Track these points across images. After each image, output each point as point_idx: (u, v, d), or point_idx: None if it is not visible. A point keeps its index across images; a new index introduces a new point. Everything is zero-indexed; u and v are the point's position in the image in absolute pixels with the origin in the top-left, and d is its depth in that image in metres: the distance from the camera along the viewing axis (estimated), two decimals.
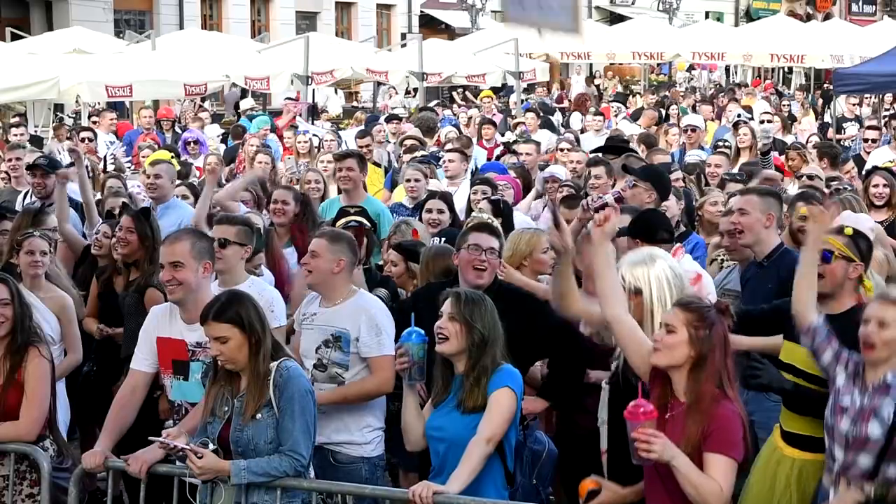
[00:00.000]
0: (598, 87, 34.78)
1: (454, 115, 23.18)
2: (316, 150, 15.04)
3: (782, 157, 13.24)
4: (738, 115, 17.69)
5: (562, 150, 13.44)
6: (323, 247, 6.33)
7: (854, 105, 20.51)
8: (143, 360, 6.03)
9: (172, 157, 12.34)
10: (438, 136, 16.22)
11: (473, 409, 5.25)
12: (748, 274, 7.24)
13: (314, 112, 23.20)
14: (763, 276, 7.01)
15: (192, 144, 14.90)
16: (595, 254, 5.13)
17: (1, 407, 5.89)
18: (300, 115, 20.38)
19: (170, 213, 9.46)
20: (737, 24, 44.69)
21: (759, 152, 12.06)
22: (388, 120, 18.06)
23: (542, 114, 19.81)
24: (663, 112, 23.38)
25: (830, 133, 19.71)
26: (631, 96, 30.04)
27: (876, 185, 9.86)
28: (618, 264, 5.49)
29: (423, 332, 5.46)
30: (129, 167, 13.38)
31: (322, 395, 5.94)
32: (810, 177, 10.55)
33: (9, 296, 5.99)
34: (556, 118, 23.53)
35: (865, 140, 14.39)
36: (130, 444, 5.80)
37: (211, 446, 5.26)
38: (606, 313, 5.06)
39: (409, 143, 13.55)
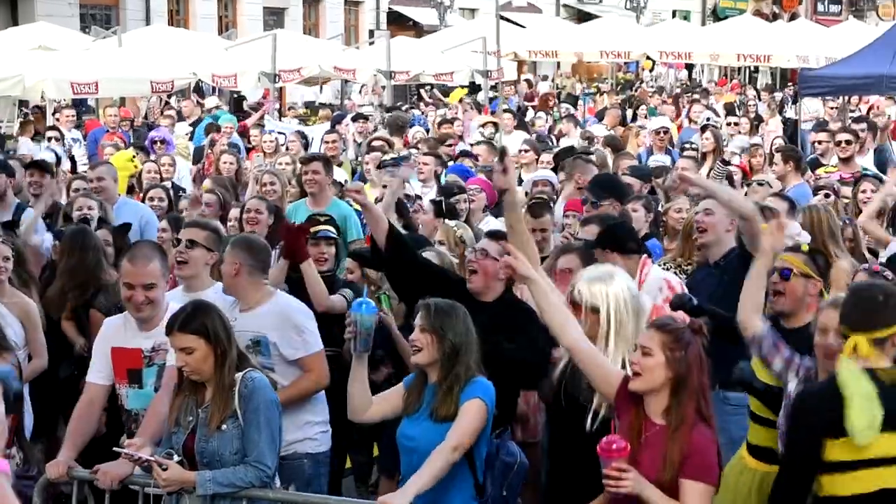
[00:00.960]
0: (556, 85, 34.75)
1: (422, 114, 23.17)
2: (283, 148, 15.02)
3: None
4: (707, 119, 17.75)
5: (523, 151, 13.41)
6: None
7: (832, 109, 20.44)
8: (97, 372, 6.03)
9: (134, 156, 12.28)
10: (406, 137, 16.21)
11: (445, 418, 5.26)
12: (698, 275, 7.38)
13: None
14: (710, 278, 7.16)
15: (158, 144, 14.83)
16: (530, 291, 5.12)
17: None
18: (268, 114, 20.33)
19: (123, 212, 9.43)
20: (704, 23, 44.88)
21: (720, 159, 12.09)
22: (355, 119, 18.02)
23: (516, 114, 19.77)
24: (630, 112, 23.50)
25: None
26: (598, 95, 30.06)
27: (864, 191, 9.91)
28: (574, 280, 5.52)
29: (373, 304, 5.48)
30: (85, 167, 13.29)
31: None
32: (760, 183, 10.62)
33: None
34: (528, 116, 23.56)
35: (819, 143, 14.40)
36: (94, 451, 5.81)
37: (176, 457, 5.25)
38: (563, 342, 5.05)
39: (377, 143, 13.51)
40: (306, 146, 15.18)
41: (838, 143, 12.21)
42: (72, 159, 13.32)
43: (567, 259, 6.76)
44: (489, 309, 6.09)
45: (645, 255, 6.88)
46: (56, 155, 12.14)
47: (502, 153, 5.75)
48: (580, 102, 26.49)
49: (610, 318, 5.26)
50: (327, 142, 14.31)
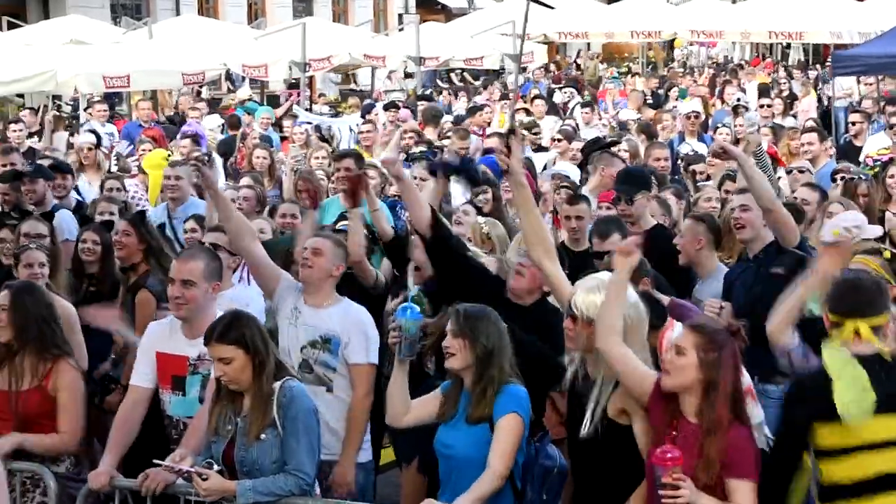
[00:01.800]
0: (578, 65, 34.53)
1: (448, 104, 23.02)
2: (320, 138, 15.02)
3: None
4: (738, 100, 17.63)
5: (556, 140, 13.37)
6: (327, 248, 6.46)
7: (870, 85, 20.14)
8: (143, 375, 6.07)
9: (169, 155, 12.32)
10: (441, 127, 16.18)
11: (479, 420, 5.30)
12: (737, 269, 7.39)
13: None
14: (748, 272, 7.18)
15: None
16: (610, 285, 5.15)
17: (23, 410, 6.03)
18: (297, 104, 20.35)
19: (192, 211, 9.49)
20: (734, 1, 44.52)
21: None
22: (387, 108, 18.01)
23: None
24: (662, 93, 23.33)
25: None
26: (629, 76, 29.89)
27: (892, 176, 9.80)
28: (570, 293, 5.50)
29: (418, 310, 5.53)
30: (135, 164, 13.32)
31: (347, 447, 6.22)
32: (801, 170, 10.57)
33: (7, 302, 6.11)
34: (558, 98, 23.47)
35: (853, 123, 14.29)
36: (134, 459, 5.87)
37: (216, 467, 5.30)
38: (609, 349, 5.06)
39: (408, 136, 13.49)
40: (325, 139, 15.15)
41: (891, 127, 12.13)
42: (97, 135, 13.14)
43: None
44: (526, 313, 6.13)
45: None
46: (96, 135, 12.18)
47: (510, 131, 5.76)
48: (611, 84, 26.28)
49: None
50: (361, 132, 14.31)
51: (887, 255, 5.93)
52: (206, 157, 8.98)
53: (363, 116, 17.91)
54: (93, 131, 12.47)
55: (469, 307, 5.46)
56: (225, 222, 6.68)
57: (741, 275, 7.28)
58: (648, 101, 20.74)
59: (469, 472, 5.26)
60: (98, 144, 11.85)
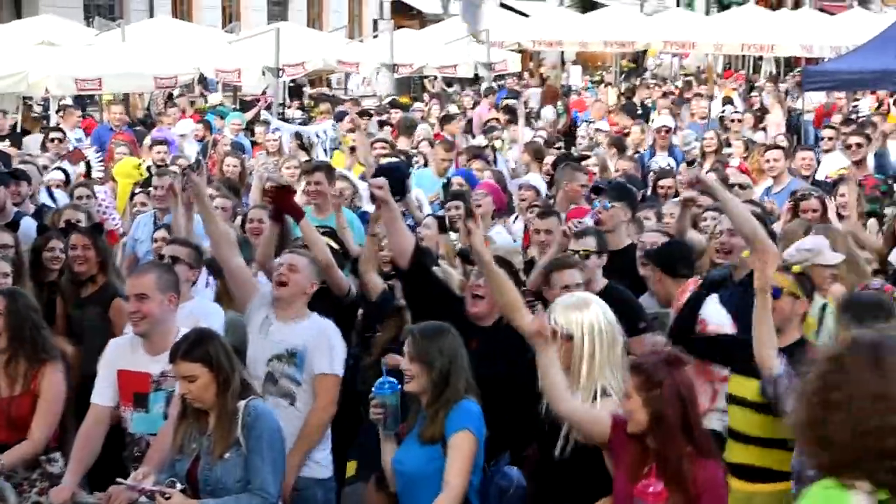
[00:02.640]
0: (540, 75, 34.57)
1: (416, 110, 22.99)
2: (300, 146, 14.96)
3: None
4: (723, 111, 17.76)
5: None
6: (304, 265, 6.47)
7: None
8: (103, 393, 6.05)
9: (140, 164, 12.27)
10: (413, 137, 16.19)
11: (430, 440, 5.35)
12: (724, 294, 7.35)
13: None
14: (734, 297, 7.16)
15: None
16: (541, 355, 5.09)
17: (16, 415, 6.07)
18: (267, 110, 20.31)
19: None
20: (707, 12, 44.78)
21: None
22: (361, 115, 17.99)
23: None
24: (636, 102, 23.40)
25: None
26: (602, 85, 30.02)
27: (843, 195, 9.89)
28: (550, 307, 5.53)
29: (395, 381, 5.53)
30: (101, 172, 13.24)
31: (293, 452, 6.07)
32: (742, 186, 10.64)
33: (2, 307, 6.15)
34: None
35: (827, 139, 14.37)
36: (96, 476, 5.87)
37: (179, 486, 5.27)
38: (557, 409, 5.06)
39: (378, 145, 13.48)
40: (305, 147, 15.11)
41: (848, 147, 12.19)
42: (87, 164, 13.11)
43: (569, 274, 6.75)
44: (486, 333, 6.16)
45: (694, 278, 6.88)
46: (66, 174, 12.01)
47: (468, 212, 5.69)
48: (586, 94, 26.38)
49: (584, 346, 5.25)
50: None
51: (797, 269, 6.07)
52: (196, 164, 8.91)
53: (338, 121, 17.88)
54: (62, 169, 12.27)
55: (425, 328, 5.49)
56: (210, 231, 6.70)
57: (728, 301, 7.23)
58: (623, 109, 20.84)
59: (422, 489, 5.31)
60: (66, 182, 11.71)
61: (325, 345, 6.31)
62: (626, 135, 16.78)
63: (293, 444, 6.19)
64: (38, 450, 6.09)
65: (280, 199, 7.22)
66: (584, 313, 5.32)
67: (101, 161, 13.57)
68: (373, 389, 5.60)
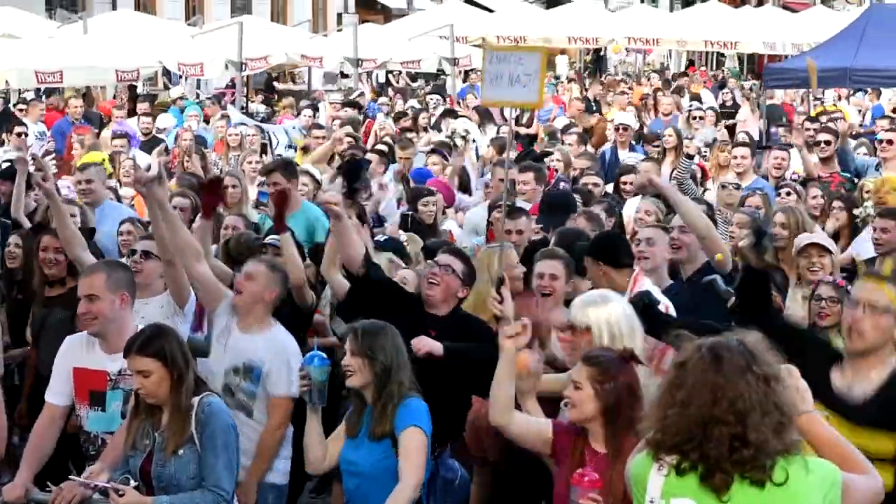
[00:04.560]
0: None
1: (376, 101, 22.99)
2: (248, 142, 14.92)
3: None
4: (691, 106, 17.83)
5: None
6: (261, 273, 6.43)
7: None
8: (58, 392, 6.00)
9: (105, 158, 12.20)
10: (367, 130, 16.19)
11: (382, 436, 5.38)
12: (672, 290, 7.41)
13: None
14: (683, 294, 7.21)
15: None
16: (501, 364, 5.09)
17: None
18: (232, 104, 20.24)
19: (107, 216, 9.42)
20: (672, 9, 44.96)
21: (685, 154, 12.14)
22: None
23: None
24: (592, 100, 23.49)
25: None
26: (566, 82, 30.08)
27: (815, 197, 10.02)
28: (572, 304, 5.62)
29: (325, 356, 5.56)
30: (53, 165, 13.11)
31: (250, 474, 6.15)
32: (737, 186, 10.75)
33: None
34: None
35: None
36: (49, 475, 5.80)
37: (132, 482, 5.25)
38: (499, 423, 5.08)
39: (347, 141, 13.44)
40: (266, 144, 15.10)
41: (818, 143, 12.27)
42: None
43: (552, 265, 6.78)
44: (442, 322, 6.26)
45: (638, 269, 6.90)
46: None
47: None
48: (546, 90, 26.43)
49: (603, 341, 5.35)
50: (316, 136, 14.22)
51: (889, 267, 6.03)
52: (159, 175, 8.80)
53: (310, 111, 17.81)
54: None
55: (366, 325, 5.53)
56: (171, 239, 6.49)
57: (675, 297, 7.28)
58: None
59: (374, 488, 5.33)
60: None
61: (283, 366, 6.27)
62: (588, 131, 16.87)
63: (251, 466, 6.21)
64: None
65: (211, 193, 7.18)
66: (604, 309, 5.44)
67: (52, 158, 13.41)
68: (303, 360, 5.62)
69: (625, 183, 11.34)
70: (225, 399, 6.10)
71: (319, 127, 15.53)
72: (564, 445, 4.97)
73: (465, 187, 11.55)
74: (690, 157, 12.02)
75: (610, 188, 11.57)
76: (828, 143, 12.24)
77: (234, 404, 6.22)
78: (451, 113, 17.85)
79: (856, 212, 9.48)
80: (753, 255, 6.13)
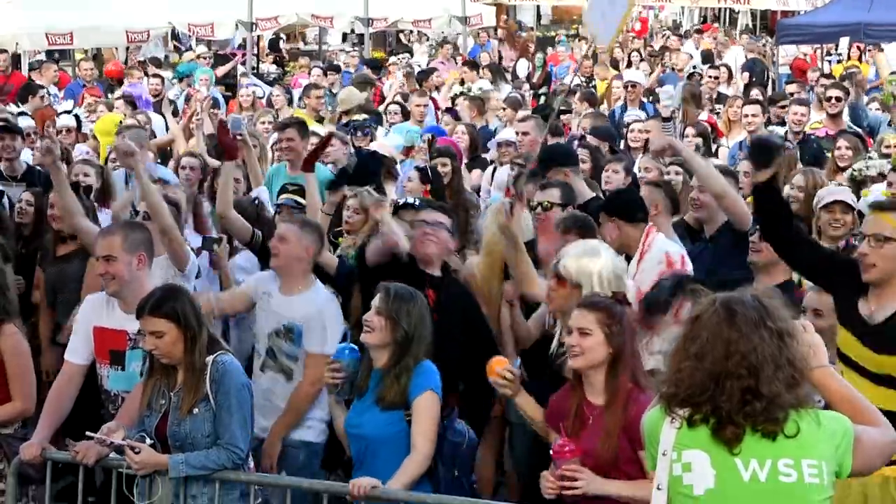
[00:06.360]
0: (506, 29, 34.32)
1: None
2: (263, 102, 14.91)
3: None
4: (694, 67, 17.75)
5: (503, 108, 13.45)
6: (293, 233, 6.47)
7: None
8: (78, 351, 6.04)
9: (121, 121, 12.18)
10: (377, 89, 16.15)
11: (392, 405, 5.37)
12: (694, 249, 7.42)
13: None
14: (705, 252, 7.28)
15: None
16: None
17: None
18: (242, 65, 20.20)
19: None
20: None
21: (661, 117, 12.14)
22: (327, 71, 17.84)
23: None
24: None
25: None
26: (578, 39, 29.86)
27: (839, 148, 9.95)
28: (559, 255, 5.59)
29: (356, 347, 5.59)
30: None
31: (276, 426, 6.22)
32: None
33: None
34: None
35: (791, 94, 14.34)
36: (67, 432, 5.87)
37: (148, 441, 5.31)
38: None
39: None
40: (290, 101, 15.11)
41: (828, 99, 12.20)
42: (77, 117, 12.94)
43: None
44: (437, 282, 6.37)
45: (651, 224, 6.89)
46: (77, 119, 12.03)
47: (512, 207, 6.14)
48: (560, 48, 26.28)
49: (594, 290, 5.34)
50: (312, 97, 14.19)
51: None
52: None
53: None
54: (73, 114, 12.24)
55: (399, 288, 5.50)
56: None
57: (699, 255, 7.28)
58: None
59: (382, 452, 5.34)
60: (79, 128, 11.91)
61: (319, 324, 6.31)
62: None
63: (279, 418, 6.27)
64: (24, 413, 6.04)
65: (224, 136, 7.48)
66: (594, 261, 5.43)
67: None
68: (334, 353, 5.65)
69: (634, 140, 11.28)
70: (268, 363, 6.24)
71: (317, 87, 15.50)
72: (560, 407, 5.00)
73: (476, 146, 11.51)
74: (668, 119, 12.08)
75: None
76: (838, 99, 12.18)
77: (275, 368, 6.31)
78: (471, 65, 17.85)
79: (855, 167, 9.38)
80: (755, 171, 5.90)
